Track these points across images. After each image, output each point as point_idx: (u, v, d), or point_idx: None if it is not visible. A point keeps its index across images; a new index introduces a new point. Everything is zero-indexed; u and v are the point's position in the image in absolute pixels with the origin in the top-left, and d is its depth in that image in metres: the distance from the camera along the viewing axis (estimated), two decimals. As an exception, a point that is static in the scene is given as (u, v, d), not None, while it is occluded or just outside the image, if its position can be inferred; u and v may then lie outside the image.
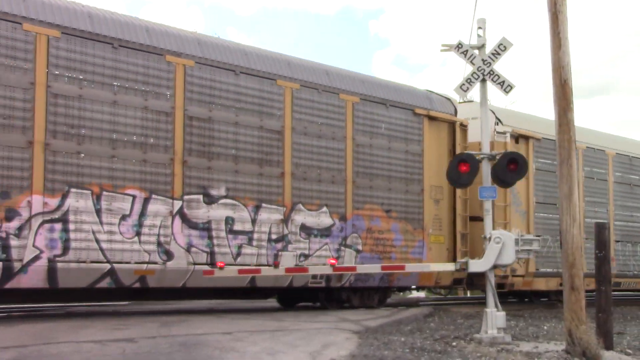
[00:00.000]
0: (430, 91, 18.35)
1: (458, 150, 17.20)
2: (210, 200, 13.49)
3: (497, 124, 18.49)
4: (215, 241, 13.50)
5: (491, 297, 11.10)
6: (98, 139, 12.32)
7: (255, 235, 14.03)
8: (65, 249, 11.84)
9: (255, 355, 8.63)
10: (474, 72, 11.63)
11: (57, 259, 11.73)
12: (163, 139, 13.05)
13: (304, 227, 14.71)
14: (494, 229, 11.73)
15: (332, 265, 12.11)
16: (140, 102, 12.82)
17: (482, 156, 11.55)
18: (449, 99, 18.28)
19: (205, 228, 13.42)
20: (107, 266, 12.21)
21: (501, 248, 10.91)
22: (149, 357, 8.40)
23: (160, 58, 13.12)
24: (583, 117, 68.53)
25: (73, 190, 11.97)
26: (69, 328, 10.57)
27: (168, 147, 13.09)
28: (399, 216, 16.37)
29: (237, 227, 13.81)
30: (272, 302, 18.91)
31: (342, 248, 15.26)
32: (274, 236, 14.29)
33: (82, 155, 12.11)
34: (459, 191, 17.46)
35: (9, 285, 11.37)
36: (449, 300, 22.48)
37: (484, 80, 11.67)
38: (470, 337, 11.08)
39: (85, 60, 12.29)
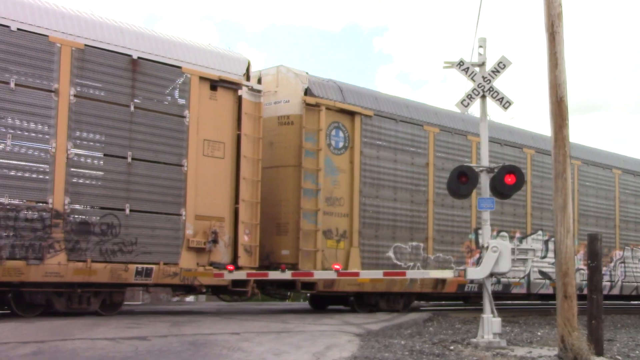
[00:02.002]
0: None
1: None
2: None
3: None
4: None
5: (488, 304, 11.43)
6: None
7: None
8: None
9: (261, 355, 8.90)
10: (475, 89, 11.99)
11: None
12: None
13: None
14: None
15: (337, 271, 12.49)
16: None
17: (480, 168, 11.92)
18: None
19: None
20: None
21: (498, 257, 11.25)
22: (160, 354, 8.68)
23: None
24: (577, 133, 68.41)
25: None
26: (84, 326, 10.90)
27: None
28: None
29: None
30: (279, 305, 19.19)
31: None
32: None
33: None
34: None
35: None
36: (448, 305, 22.70)
37: (484, 97, 12.04)
38: (467, 342, 11.40)
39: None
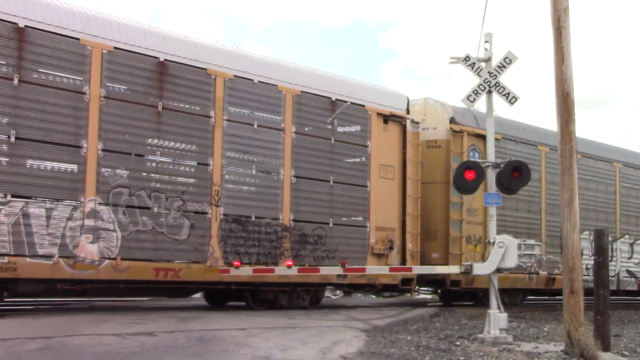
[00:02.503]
0: None
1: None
2: None
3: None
4: None
5: (494, 300, 11.43)
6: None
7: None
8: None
9: (267, 351, 8.93)
10: (481, 84, 11.97)
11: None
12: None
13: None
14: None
15: (343, 266, 12.54)
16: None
17: (487, 164, 11.92)
18: None
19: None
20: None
21: (504, 252, 11.25)
22: (167, 350, 8.71)
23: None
24: (584, 129, 68.44)
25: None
26: (91, 321, 10.95)
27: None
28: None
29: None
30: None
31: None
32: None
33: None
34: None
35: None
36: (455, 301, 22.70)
37: (490, 92, 12.02)
38: (474, 337, 11.41)
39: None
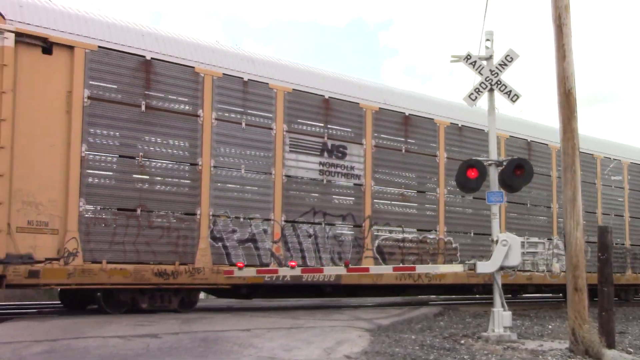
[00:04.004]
0: None
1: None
2: None
3: None
4: None
5: (498, 298, 11.44)
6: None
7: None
8: None
9: (271, 351, 8.93)
10: (482, 82, 11.98)
11: None
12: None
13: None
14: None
15: (346, 266, 12.49)
16: None
17: (489, 162, 11.92)
18: None
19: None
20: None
21: (508, 250, 11.24)
22: (171, 351, 8.72)
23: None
24: (586, 125, 68.37)
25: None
26: (96, 324, 10.92)
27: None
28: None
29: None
30: (288, 301, 19.21)
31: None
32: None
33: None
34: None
35: None
36: (458, 299, 22.71)
37: (491, 90, 12.03)
38: (478, 336, 11.41)
39: None
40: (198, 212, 13.44)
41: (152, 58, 13.13)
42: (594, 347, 9.70)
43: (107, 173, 12.47)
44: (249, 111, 14.33)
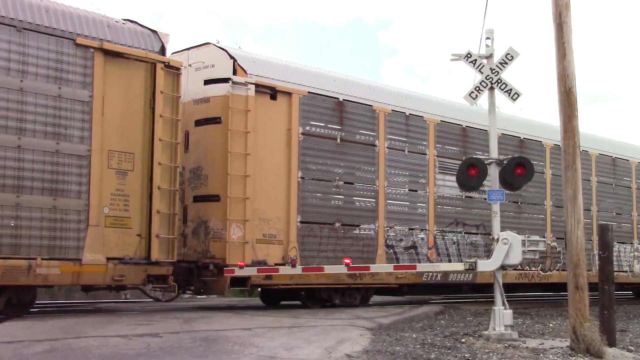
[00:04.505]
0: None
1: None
2: None
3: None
4: None
5: (499, 296, 11.43)
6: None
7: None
8: None
9: (273, 350, 8.92)
10: (483, 81, 11.95)
11: None
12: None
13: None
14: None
15: (347, 265, 12.48)
16: None
17: (490, 160, 11.91)
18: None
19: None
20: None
21: (508, 249, 11.23)
22: (172, 351, 8.70)
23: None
24: (586, 123, 68.27)
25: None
26: (97, 323, 10.95)
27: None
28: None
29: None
30: (289, 301, 19.20)
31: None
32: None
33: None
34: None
35: None
36: (459, 298, 22.73)
37: (492, 89, 12.00)
38: (479, 334, 11.41)
39: None
40: (377, 224, 16.40)
41: (343, 100, 16.05)
42: (595, 345, 9.69)
43: (315, 194, 15.43)
44: (409, 140, 17.24)
